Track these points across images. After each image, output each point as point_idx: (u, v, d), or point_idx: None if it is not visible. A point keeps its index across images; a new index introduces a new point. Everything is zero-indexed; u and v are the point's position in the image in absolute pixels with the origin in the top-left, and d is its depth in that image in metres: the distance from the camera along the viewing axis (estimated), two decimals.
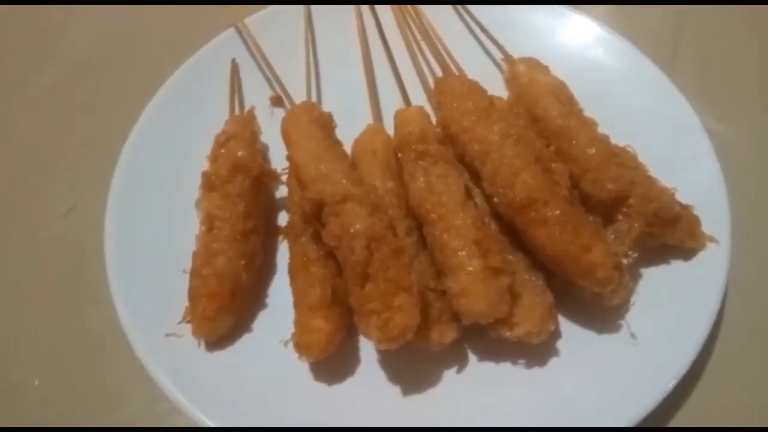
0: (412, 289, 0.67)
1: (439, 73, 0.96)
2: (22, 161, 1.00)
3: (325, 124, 0.80)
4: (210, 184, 0.80)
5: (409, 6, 1.02)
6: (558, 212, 0.70)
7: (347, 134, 0.85)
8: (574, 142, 0.80)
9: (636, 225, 0.73)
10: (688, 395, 0.76)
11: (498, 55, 0.98)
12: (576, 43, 0.99)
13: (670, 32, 1.09)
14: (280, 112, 0.97)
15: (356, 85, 0.96)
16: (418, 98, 0.94)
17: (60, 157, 0.99)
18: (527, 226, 0.71)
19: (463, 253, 0.70)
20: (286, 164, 0.87)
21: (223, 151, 0.83)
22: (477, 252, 0.69)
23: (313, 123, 0.79)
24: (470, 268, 0.69)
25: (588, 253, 0.69)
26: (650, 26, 1.10)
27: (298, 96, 0.91)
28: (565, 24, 1.01)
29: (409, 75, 0.97)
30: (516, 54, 0.94)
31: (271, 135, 0.92)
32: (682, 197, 0.80)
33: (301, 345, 0.71)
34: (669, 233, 0.76)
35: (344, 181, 0.72)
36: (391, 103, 0.93)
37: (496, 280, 0.69)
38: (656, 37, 1.07)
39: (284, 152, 0.86)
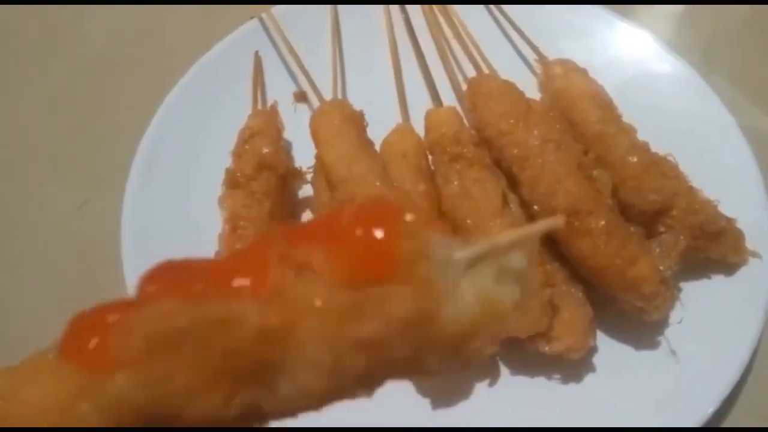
0: None
1: (468, 73, 0.93)
2: (36, 154, 0.96)
3: (357, 122, 0.77)
4: (234, 181, 0.77)
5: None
6: (603, 223, 0.67)
7: (372, 134, 0.82)
8: (613, 149, 0.77)
9: (682, 238, 0.70)
10: (726, 415, 0.73)
11: (530, 56, 0.95)
12: (611, 45, 0.96)
13: (707, 34, 1.06)
14: (303, 109, 0.94)
15: (382, 84, 0.93)
16: (446, 99, 0.91)
17: (74, 150, 0.96)
18: (569, 237, 0.68)
19: None
20: (310, 163, 0.85)
21: (247, 147, 0.80)
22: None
23: (344, 121, 0.75)
24: None
25: (633, 266, 0.66)
26: (688, 28, 1.07)
27: (323, 94, 0.88)
28: (599, 26, 0.98)
29: (437, 74, 0.94)
30: (549, 56, 0.91)
31: (294, 132, 0.89)
32: (723, 209, 0.77)
33: None
34: (713, 247, 0.74)
35: (378, 183, 0.69)
36: (418, 103, 0.90)
37: (537, 293, 0.66)
38: (693, 40, 1.04)
39: (307, 150, 0.83)
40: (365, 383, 0.30)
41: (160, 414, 0.27)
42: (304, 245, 0.29)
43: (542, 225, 0.31)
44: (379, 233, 0.29)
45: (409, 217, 0.30)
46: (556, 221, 0.32)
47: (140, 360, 0.27)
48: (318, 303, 0.28)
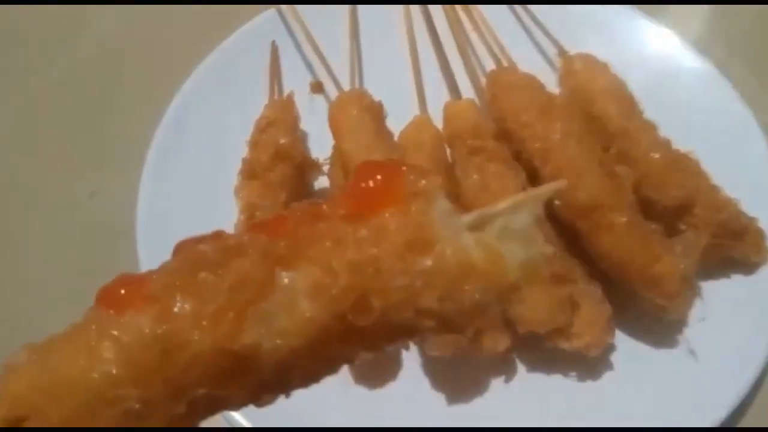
0: None
1: (486, 66, 0.92)
2: (47, 142, 0.95)
3: (376, 113, 0.76)
4: (251, 171, 0.76)
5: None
6: (625, 219, 0.66)
7: (389, 126, 0.81)
8: (635, 144, 0.76)
9: (704, 236, 0.69)
10: (744, 415, 0.73)
11: (550, 51, 0.93)
12: (632, 42, 0.95)
13: (729, 32, 1.04)
14: (319, 100, 0.93)
15: (399, 76, 0.91)
16: (464, 92, 0.89)
17: (88, 138, 0.95)
18: (591, 232, 0.67)
19: None
20: (326, 154, 0.84)
21: (263, 136, 0.79)
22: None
23: (363, 111, 0.74)
24: None
25: (656, 263, 0.65)
26: (710, 26, 1.05)
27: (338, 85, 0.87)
28: (620, 22, 0.96)
29: (455, 67, 0.93)
30: (569, 50, 0.90)
31: (310, 123, 0.88)
32: (743, 208, 0.76)
33: None
34: (734, 246, 0.73)
35: None
36: (435, 96, 0.89)
37: (558, 288, 0.65)
38: (716, 38, 1.02)
39: (324, 141, 0.82)
40: (359, 316, 0.30)
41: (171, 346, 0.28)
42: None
43: (546, 188, 0.32)
44: (379, 178, 0.31)
45: (409, 168, 0.31)
46: (559, 184, 0.33)
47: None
48: (322, 233, 0.30)
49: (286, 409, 0.67)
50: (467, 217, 0.31)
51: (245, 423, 0.66)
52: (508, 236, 0.31)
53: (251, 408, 0.66)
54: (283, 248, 0.30)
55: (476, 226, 0.31)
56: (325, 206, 0.31)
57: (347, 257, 0.29)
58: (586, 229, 0.68)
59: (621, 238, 0.65)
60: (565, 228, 0.71)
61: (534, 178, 0.74)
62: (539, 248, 0.31)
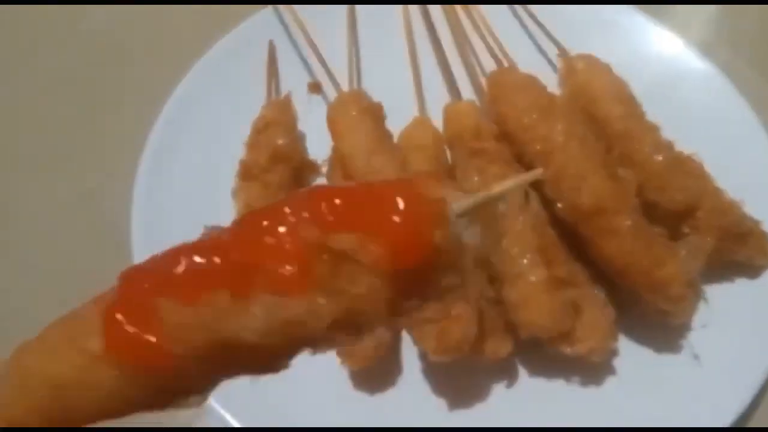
0: (471, 297, 0.62)
1: (485, 66, 0.91)
2: (41, 140, 0.94)
3: (376, 114, 0.75)
4: (248, 172, 0.75)
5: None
6: (629, 222, 0.65)
7: (388, 127, 0.80)
8: (638, 146, 0.75)
9: (709, 240, 0.68)
10: (748, 421, 0.72)
11: (550, 51, 0.92)
12: (633, 43, 0.94)
13: (733, 33, 1.03)
14: (316, 100, 0.91)
15: (398, 76, 0.90)
16: (463, 93, 0.88)
17: (81, 138, 0.93)
18: (595, 236, 0.66)
19: (525, 261, 0.65)
20: (324, 155, 0.83)
21: (261, 137, 0.78)
22: (540, 260, 0.64)
23: (362, 113, 0.73)
24: (533, 278, 0.64)
25: (661, 267, 0.64)
26: (714, 27, 1.05)
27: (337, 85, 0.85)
28: (622, 23, 0.96)
29: (454, 68, 0.92)
30: (570, 51, 0.89)
31: (308, 124, 0.87)
32: (747, 211, 0.75)
33: (345, 352, 0.66)
34: (738, 249, 0.72)
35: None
36: (434, 97, 0.88)
37: (560, 293, 0.64)
38: (719, 39, 1.01)
39: (321, 142, 0.81)
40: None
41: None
42: (338, 230, 0.29)
43: (528, 175, 0.34)
44: (413, 223, 0.29)
45: (437, 204, 0.30)
46: (537, 173, 0.35)
47: (199, 354, 0.29)
48: (369, 292, 0.29)
49: (285, 414, 0.67)
50: (461, 204, 0.31)
51: (244, 424, 0.65)
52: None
53: (242, 412, 0.65)
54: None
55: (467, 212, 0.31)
56: (353, 249, 0.29)
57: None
58: (590, 233, 0.67)
59: (625, 242, 0.64)
60: (567, 231, 0.70)
61: (535, 181, 0.73)
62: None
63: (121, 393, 0.30)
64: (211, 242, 0.30)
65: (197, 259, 0.30)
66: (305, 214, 0.29)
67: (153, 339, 0.28)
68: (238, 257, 0.29)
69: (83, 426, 0.31)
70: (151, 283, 0.30)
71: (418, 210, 0.29)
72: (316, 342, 0.30)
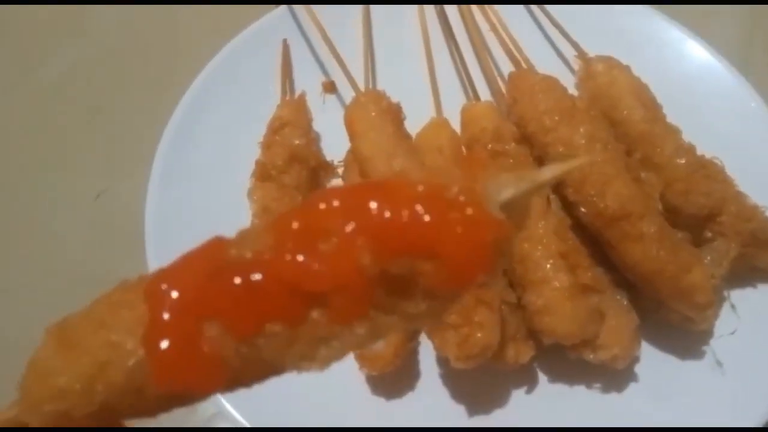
0: (494, 303, 0.61)
1: (502, 68, 0.90)
2: (55, 142, 0.93)
3: (394, 115, 0.74)
4: (265, 173, 0.73)
5: None
6: (655, 228, 0.64)
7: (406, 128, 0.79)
8: (659, 150, 0.74)
9: (734, 245, 0.67)
10: None
11: (568, 53, 0.91)
12: (653, 45, 0.92)
13: (754, 35, 1.02)
14: (331, 100, 0.90)
15: (414, 77, 0.89)
16: (481, 94, 0.87)
17: (94, 139, 0.92)
18: (619, 241, 0.65)
19: (548, 266, 0.64)
20: (339, 156, 0.82)
21: (277, 138, 0.77)
22: (564, 266, 0.63)
23: (382, 114, 0.72)
24: (556, 284, 0.63)
25: (687, 274, 0.63)
26: (734, 30, 1.03)
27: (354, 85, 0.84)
28: (641, 25, 0.94)
29: (471, 69, 0.90)
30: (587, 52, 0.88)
31: (322, 124, 0.86)
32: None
33: (364, 356, 0.65)
34: (762, 255, 0.71)
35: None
36: (450, 98, 0.86)
37: (585, 299, 0.63)
38: (740, 41, 1.00)
39: (336, 143, 0.80)
40: None
41: None
42: (396, 256, 0.28)
43: (571, 163, 0.32)
44: (474, 251, 0.28)
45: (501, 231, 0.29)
46: (581, 160, 0.34)
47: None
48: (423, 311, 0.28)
49: (303, 420, 0.66)
50: (508, 192, 0.30)
51: (253, 424, 0.64)
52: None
53: (255, 415, 0.64)
54: None
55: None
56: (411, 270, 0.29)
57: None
58: (614, 238, 0.65)
59: (651, 248, 0.63)
60: (589, 236, 0.69)
61: (557, 184, 0.72)
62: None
63: (153, 402, 0.29)
64: (255, 261, 0.28)
65: (242, 280, 0.28)
66: (354, 227, 0.27)
67: (204, 379, 0.28)
68: (289, 275, 0.27)
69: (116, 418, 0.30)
70: (193, 303, 0.28)
71: (480, 239, 0.28)
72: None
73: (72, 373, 0.29)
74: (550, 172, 0.31)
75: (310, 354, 0.28)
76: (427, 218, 0.27)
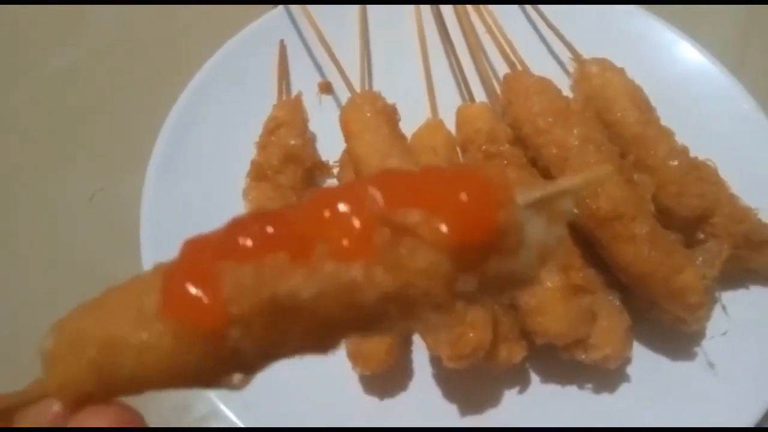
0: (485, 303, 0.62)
1: (497, 69, 0.90)
2: (50, 140, 0.93)
3: (390, 116, 0.74)
4: (260, 173, 0.74)
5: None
6: (647, 229, 0.64)
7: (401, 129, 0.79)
8: (652, 152, 0.74)
9: (726, 247, 0.68)
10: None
11: (563, 55, 0.92)
12: (646, 47, 0.93)
13: (747, 37, 1.02)
14: (328, 101, 0.91)
15: (409, 78, 0.90)
16: (477, 95, 0.88)
17: (89, 138, 0.92)
18: (611, 242, 0.66)
19: None
20: (335, 156, 0.82)
21: (273, 138, 0.77)
22: (556, 266, 0.64)
23: (377, 114, 0.73)
24: (549, 284, 0.63)
25: (679, 275, 0.63)
26: (727, 30, 1.04)
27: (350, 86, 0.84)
28: (634, 26, 0.95)
29: (467, 70, 0.91)
30: (582, 54, 0.88)
31: (318, 124, 0.86)
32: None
33: (357, 355, 0.65)
34: (754, 257, 0.71)
35: None
36: (446, 99, 0.87)
37: (577, 299, 0.63)
38: (733, 43, 1.01)
39: (332, 143, 0.80)
40: None
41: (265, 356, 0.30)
42: (403, 206, 0.29)
43: (596, 172, 0.34)
44: (478, 201, 0.29)
45: (503, 187, 0.30)
46: (605, 169, 0.34)
47: (256, 318, 0.28)
48: (427, 268, 0.28)
49: (296, 419, 0.66)
50: (527, 196, 0.30)
51: (247, 424, 0.64)
52: (554, 221, 0.31)
53: (247, 415, 0.64)
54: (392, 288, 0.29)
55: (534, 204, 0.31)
56: (416, 224, 0.29)
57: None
58: (606, 239, 0.66)
59: (643, 249, 0.64)
60: (582, 237, 0.70)
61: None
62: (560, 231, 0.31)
63: (173, 357, 0.29)
64: (278, 214, 0.30)
65: (261, 226, 0.29)
66: (372, 191, 0.29)
67: (209, 298, 0.28)
68: (302, 226, 0.29)
69: (129, 393, 0.31)
70: (213, 247, 0.29)
71: (483, 191, 0.29)
72: (368, 317, 0.29)
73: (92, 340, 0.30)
74: (572, 181, 0.31)
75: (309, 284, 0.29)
76: (433, 180, 0.29)
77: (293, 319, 0.28)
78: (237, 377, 0.30)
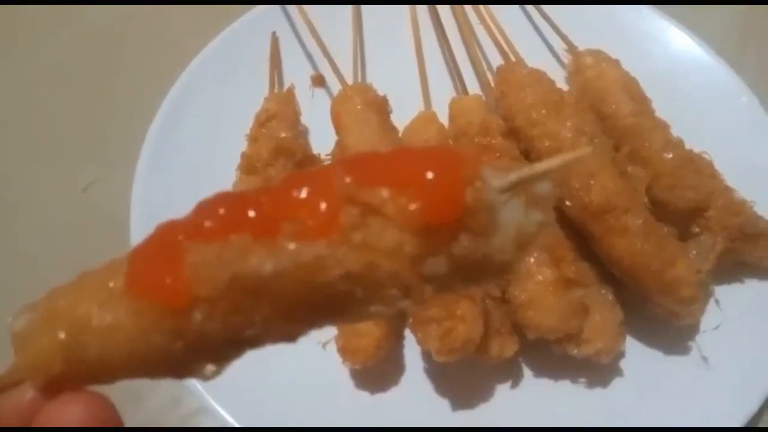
0: (476, 296, 0.61)
1: (491, 61, 0.90)
2: (40, 134, 0.92)
3: (381, 108, 0.73)
4: (250, 166, 0.73)
5: None
6: (640, 222, 0.64)
7: (393, 121, 0.78)
8: (647, 144, 0.74)
9: (720, 240, 0.67)
10: (757, 424, 0.70)
11: (557, 46, 0.91)
12: (641, 39, 0.92)
13: (743, 30, 1.01)
14: (319, 93, 0.90)
15: (403, 70, 0.89)
16: (469, 87, 0.87)
17: (80, 131, 0.92)
18: (604, 235, 0.65)
19: (532, 259, 0.63)
20: (327, 149, 0.81)
21: (264, 131, 0.76)
22: (548, 260, 0.63)
23: (367, 107, 0.72)
24: (540, 278, 0.63)
25: (672, 268, 0.63)
26: (723, 24, 1.03)
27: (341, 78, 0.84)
28: (630, 19, 0.94)
29: (460, 62, 0.90)
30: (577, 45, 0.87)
31: (310, 117, 0.86)
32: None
33: (346, 349, 0.65)
34: (748, 250, 0.70)
35: None
36: (439, 91, 0.86)
37: (569, 293, 0.62)
38: (729, 36, 1.00)
39: (324, 136, 0.80)
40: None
41: (234, 341, 0.29)
42: (370, 185, 0.28)
43: (573, 154, 0.32)
44: (444, 178, 0.28)
45: (470, 164, 0.29)
46: (584, 151, 0.33)
47: (219, 297, 0.28)
48: (392, 247, 0.28)
49: (285, 415, 0.65)
50: (502, 181, 0.29)
51: (235, 425, 0.64)
52: (532, 205, 0.30)
53: (239, 411, 0.64)
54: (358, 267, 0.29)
55: (509, 188, 0.30)
56: (383, 202, 0.29)
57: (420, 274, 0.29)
58: (599, 232, 0.65)
59: (635, 242, 0.63)
60: (575, 230, 0.69)
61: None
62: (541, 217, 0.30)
63: (138, 337, 0.29)
64: (246, 195, 0.30)
65: (228, 208, 0.29)
66: (342, 172, 0.29)
67: (172, 277, 0.28)
68: (270, 207, 0.29)
69: (101, 379, 0.30)
70: (181, 229, 0.29)
71: (450, 168, 0.28)
72: (335, 300, 0.28)
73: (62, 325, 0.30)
74: (549, 163, 0.30)
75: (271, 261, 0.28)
76: (401, 159, 0.29)
77: (257, 299, 0.28)
78: (209, 368, 0.29)
